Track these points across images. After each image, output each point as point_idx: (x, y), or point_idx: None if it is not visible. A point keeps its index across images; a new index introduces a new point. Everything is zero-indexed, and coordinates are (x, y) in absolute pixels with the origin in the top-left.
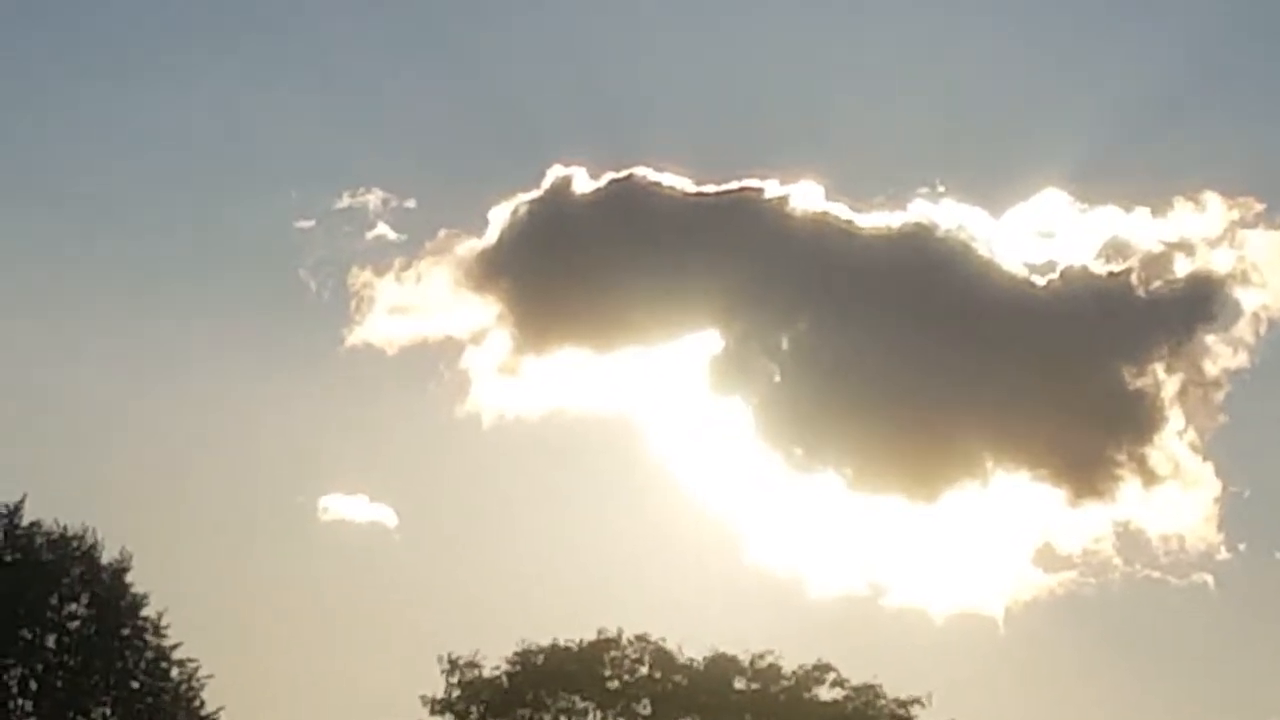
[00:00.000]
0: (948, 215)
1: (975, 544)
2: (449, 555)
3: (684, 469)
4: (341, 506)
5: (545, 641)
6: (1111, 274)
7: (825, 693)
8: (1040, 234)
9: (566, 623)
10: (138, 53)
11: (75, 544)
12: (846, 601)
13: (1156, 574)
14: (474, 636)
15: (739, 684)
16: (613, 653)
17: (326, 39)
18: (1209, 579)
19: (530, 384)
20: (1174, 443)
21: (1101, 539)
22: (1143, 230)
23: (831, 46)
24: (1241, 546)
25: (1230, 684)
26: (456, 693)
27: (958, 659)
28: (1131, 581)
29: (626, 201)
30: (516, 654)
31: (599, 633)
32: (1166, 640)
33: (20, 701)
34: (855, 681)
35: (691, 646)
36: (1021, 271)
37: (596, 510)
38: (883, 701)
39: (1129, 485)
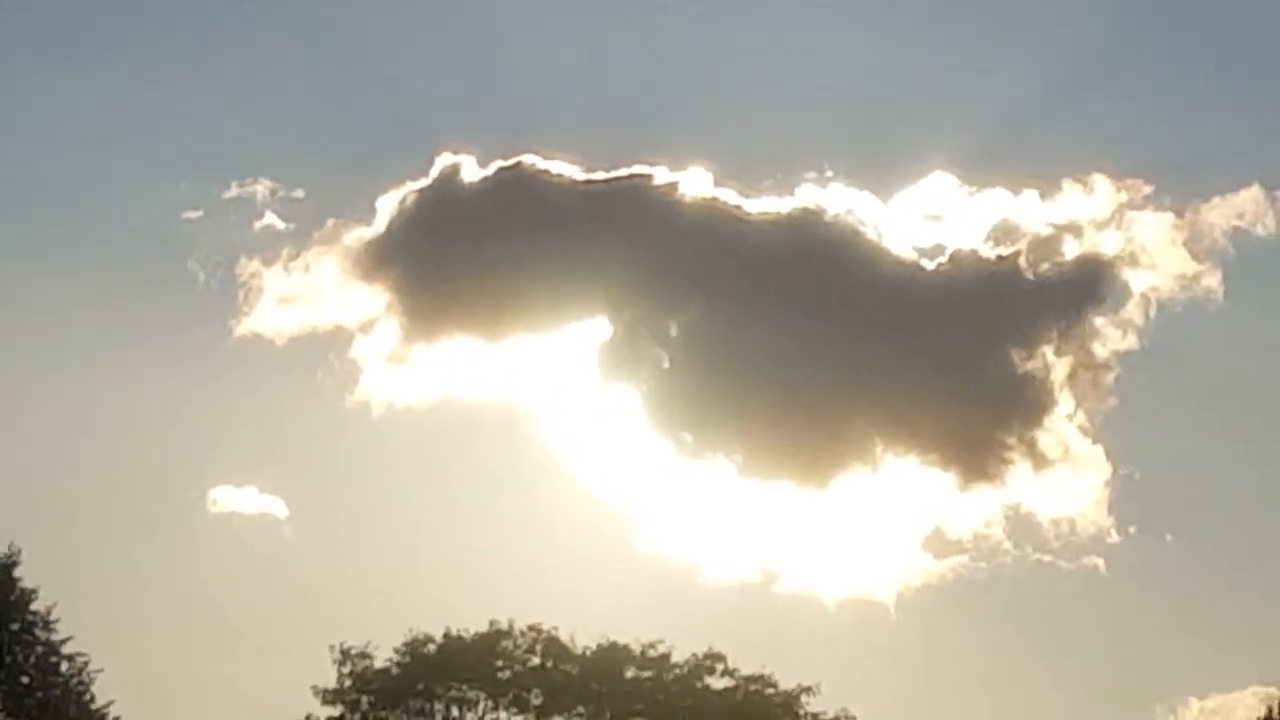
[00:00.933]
0: (836, 199)
1: (866, 529)
2: (340, 546)
3: (574, 457)
4: (231, 498)
5: (437, 631)
6: (1000, 257)
7: (716, 682)
8: (929, 217)
9: (458, 612)
10: (21, 40)
11: None
12: (738, 588)
13: (1047, 558)
14: (366, 627)
15: (630, 673)
16: (504, 643)
17: (214, 28)
18: (1100, 562)
19: (420, 373)
20: (1064, 426)
21: (992, 523)
22: (1031, 213)
23: (718, 32)
24: (1132, 529)
25: (1122, 667)
26: (348, 683)
27: (850, 645)
28: (1022, 565)
29: (515, 189)
30: (407, 644)
31: (491, 623)
32: (1058, 624)
33: None
34: (746, 670)
35: (583, 635)
36: (910, 255)
37: (487, 499)
38: (773, 690)
39: (1019, 469)
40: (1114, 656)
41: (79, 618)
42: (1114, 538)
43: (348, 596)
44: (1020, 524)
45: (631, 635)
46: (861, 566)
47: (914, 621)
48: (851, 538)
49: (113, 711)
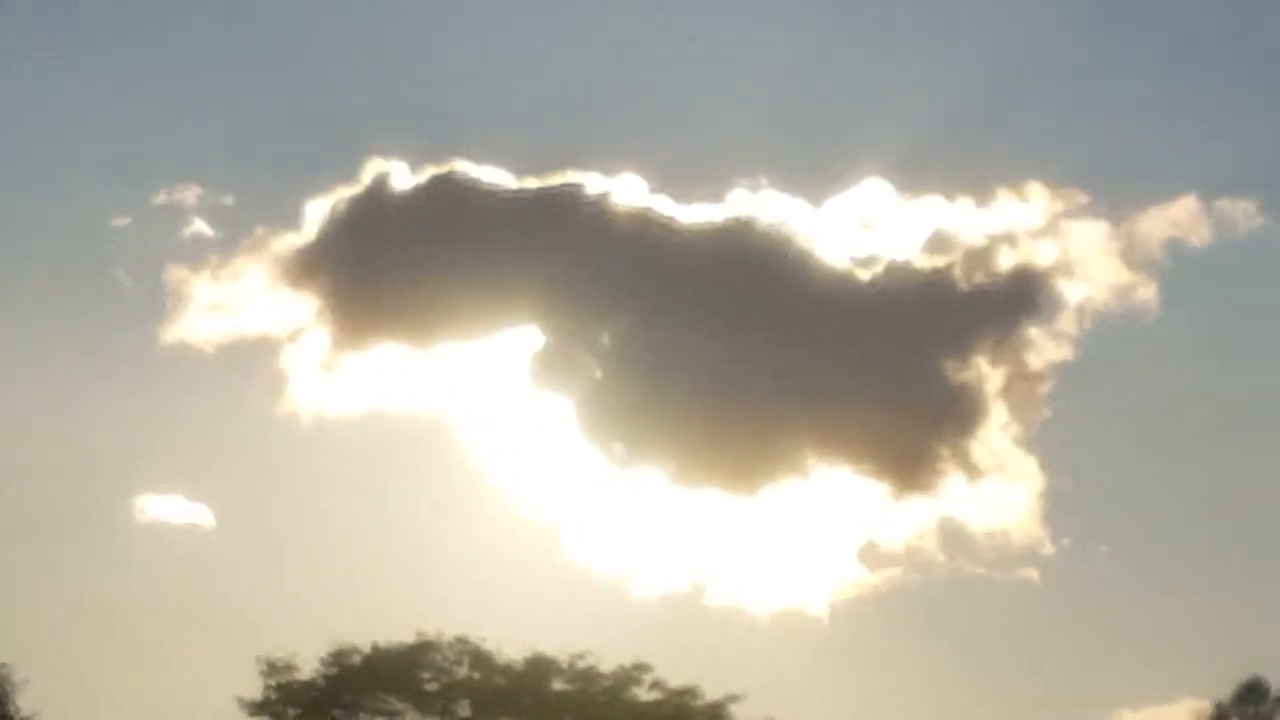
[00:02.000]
0: (769, 207)
1: (798, 540)
2: (267, 556)
3: (504, 467)
4: (158, 507)
5: (364, 642)
6: (934, 268)
7: (644, 693)
8: (863, 224)
9: (386, 623)
10: None
11: None
12: (669, 600)
13: (981, 569)
14: (292, 637)
15: (557, 685)
16: (431, 654)
17: (144, 33)
18: (1034, 574)
19: (349, 381)
20: (997, 436)
21: (925, 534)
22: (966, 221)
23: (651, 40)
24: (1066, 541)
25: (1055, 679)
26: (273, 694)
27: (782, 657)
28: (956, 577)
29: (446, 197)
30: (332, 655)
31: (417, 634)
32: (991, 636)
33: None
34: (675, 682)
35: (512, 647)
36: (844, 264)
37: (416, 509)
38: (700, 702)
39: (952, 480)
40: (1047, 669)
41: (6, 628)
42: (1048, 549)
43: (274, 607)
44: (954, 535)
45: (560, 647)
46: (794, 578)
47: (847, 633)
48: (784, 548)
49: None
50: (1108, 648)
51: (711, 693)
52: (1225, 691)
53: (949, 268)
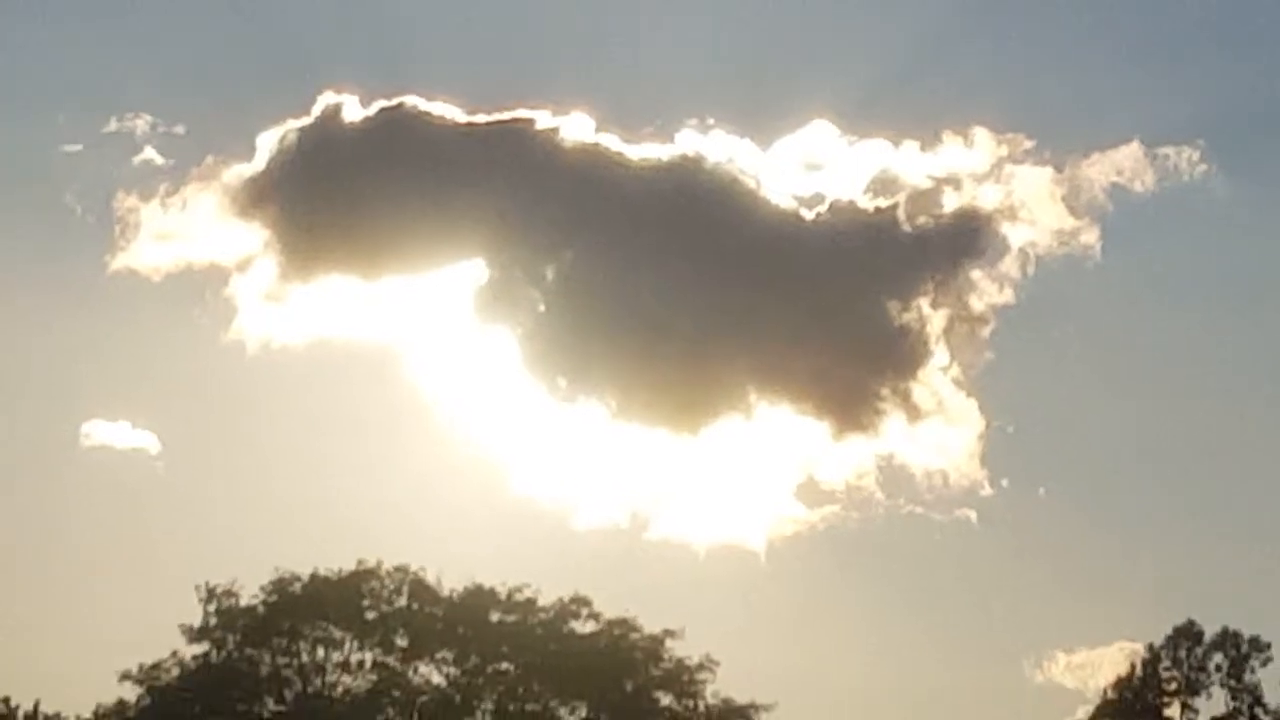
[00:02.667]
0: (717, 147)
1: (739, 477)
2: (212, 483)
3: (448, 399)
4: (104, 433)
5: (305, 571)
6: (878, 209)
7: (582, 626)
8: (809, 166)
9: (328, 552)
10: None
11: None
12: (610, 533)
13: (919, 509)
14: (235, 564)
15: (495, 616)
16: (371, 583)
17: None
18: (972, 515)
19: (296, 312)
20: (938, 378)
21: (864, 473)
22: (911, 164)
23: None
24: (1004, 482)
25: (991, 621)
26: (214, 621)
27: (720, 592)
28: (894, 516)
29: (397, 130)
30: (273, 583)
31: (358, 563)
32: (928, 576)
33: None
34: (612, 614)
35: (453, 577)
36: (790, 204)
37: (360, 440)
38: (637, 635)
39: (893, 420)
40: (983, 610)
41: None
42: (987, 491)
43: (217, 533)
44: (893, 475)
45: (501, 579)
46: (733, 514)
47: (784, 570)
48: (724, 485)
49: None
50: (1044, 589)
51: (650, 626)
52: (1159, 635)
53: (893, 209)
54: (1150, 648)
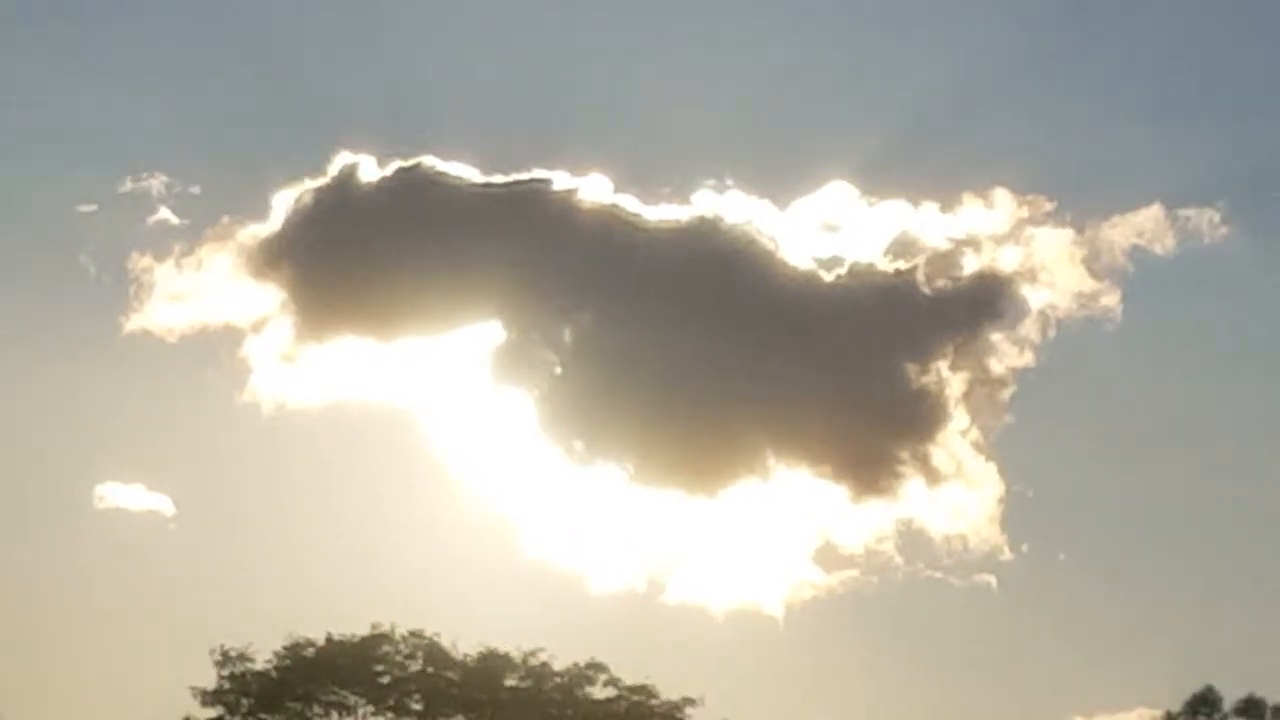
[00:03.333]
0: (735, 208)
1: (756, 540)
2: (226, 546)
3: (464, 461)
4: (118, 495)
5: (319, 635)
6: (898, 271)
7: (599, 692)
8: (827, 227)
9: (342, 616)
10: None
11: None
12: (626, 598)
13: (938, 574)
14: (248, 628)
15: (510, 681)
16: (385, 648)
17: (116, 21)
18: (992, 580)
19: (311, 373)
20: (957, 441)
21: (883, 537)
22: (931, 226)
23: (622, 39)
24: (1024, 547)
25: (1010, 686)
26: (227, 685)
27: (737, 657)
28: (913, 581)
29: (413, 190)
30: (286, 647)
31: (372, 626)
32: (948, 641)
33: None
34: (630, 680)
35: (468, 642)
36: (808, 265)
37: (375, 502)
38: (655, 701)
39: (912, 484)
40: (1003, 675)
41: None
42: (1006, 555)
43: (231, 596)
44: (912, 539)
45: (516, 643)
46: (751, 578)
47: (802, 634)
48: (741, 548)
49: None
50: (1064, 655)
51: (667, 690)
52: (1178, 701)
53: (912, 271)
54: (1169, 715)
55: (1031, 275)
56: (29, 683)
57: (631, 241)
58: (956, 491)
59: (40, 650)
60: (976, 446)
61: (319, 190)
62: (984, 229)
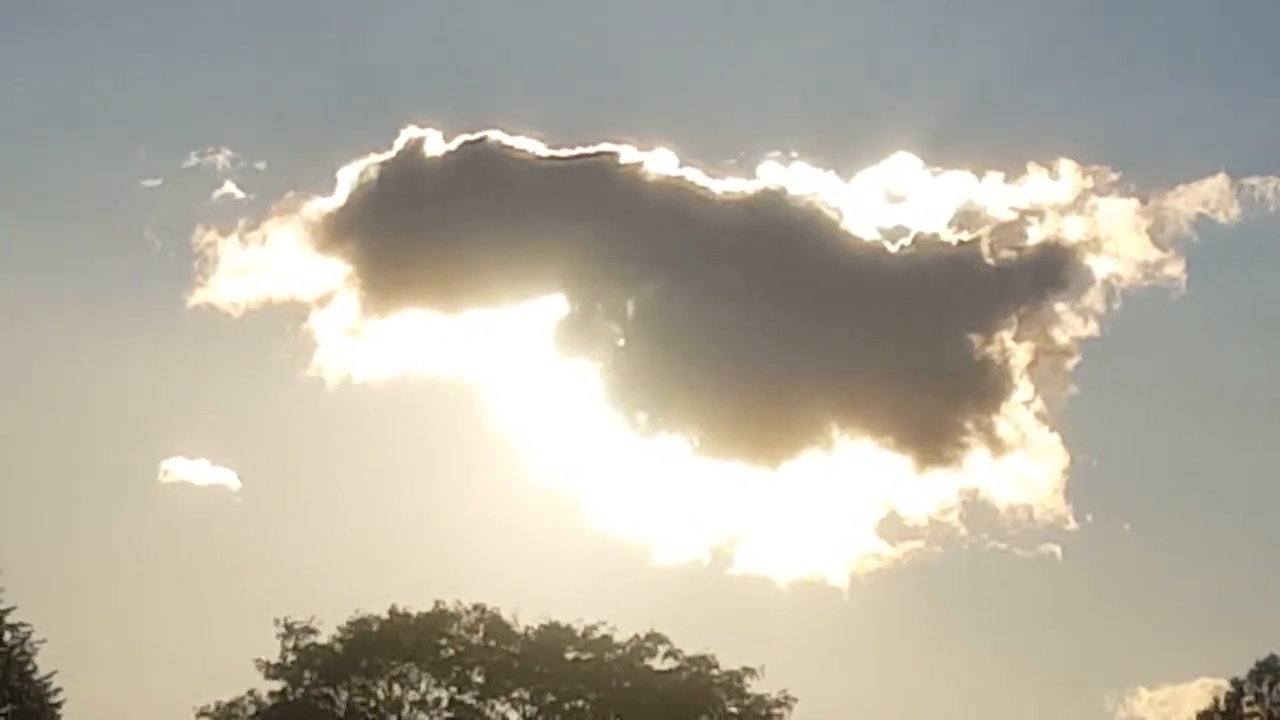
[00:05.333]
0: (799, 180)
1: (821, 512)
2: (291, 519)
3: (528, 434)
4: (183, 469)
5: (383, 609)
6: (962, 241)
7: (659, 663)
8: (891, 198)
9: (407, 587)
10: None
11: None
12: (691, 569)
13: (1003, 545)
14: (313, 601)
15: (571, 654)
16: (448, 622)
17: None
18: (1056, 550)
19: (376, 347)
20: (1022, 412)
21: (948, 509)
22: (995, 196)
23: (687, 13)
24: (1089, 517)
25: (1073, 656)
26: (291, 658)
27: (802, 628)
28: (978, 552)
29: (479, 164)
30: (351, 622)
31: (436, 604)
32: (1011, 611)
33: None
34: (691, 651)
35: (531, 615)
36: (872, 236)
37: (440, 475)
38: (715, 672)
39: (976, 454)
40: (1066, 645)
41: (27, 588)
42: (1071, 526)
43: (296, 570)
44: (977, 510)
45: (579, 615)
46: (815, 549)
47: (867, 606)
48: (806, 519)
49: (55, 682)
50: (1128, 625)
51: (730, 662)
52: (1243, 670)
53: (976, 242)
54: (1233, 682)
55: (1096, 245)
56: (96, 655)
57: (696, 214)
58: (1021, 462)
59: (107, 623)
60: (1041, 417)
61: (384, 164)
62: (1048, 199)
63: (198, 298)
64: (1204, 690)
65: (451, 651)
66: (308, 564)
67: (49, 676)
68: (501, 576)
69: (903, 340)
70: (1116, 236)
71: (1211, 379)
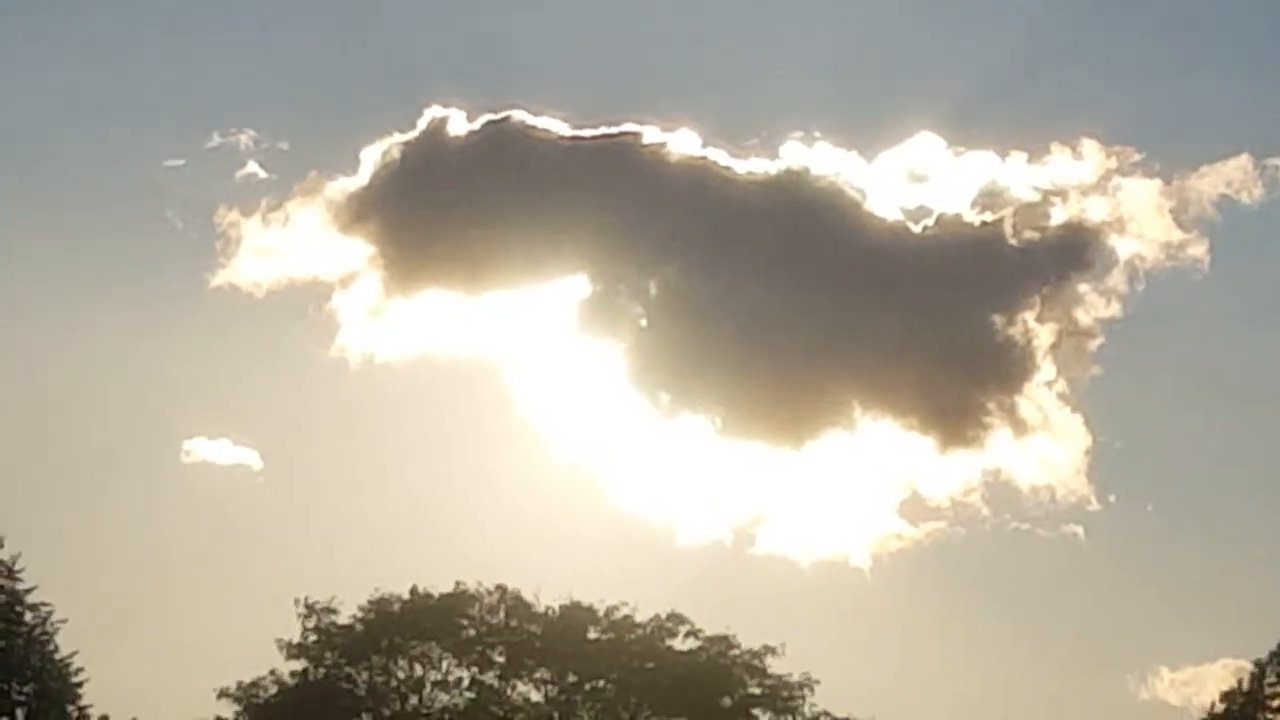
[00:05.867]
0: (822, 160)
1: (843, 492)
2: (313, 499)
3: (551, 414)
4: (205, 449)
5: (404, 589)
6: (985, 222)
7: (680, 643)
8: (914, 178)
9: (430, 567)
10: None
11: None
12: (713, 550)
13: (1026, 525)
14: (334, 580)
15: (592, 634)
16: (469, 602)
17: None
18: (1079, 530)
19: (398, 327)
20: (1044, 393)
21: (971, 489)
22: (1018, 176)
23: None
24: (1112, 498)
25: (1097, 636)
26: (312, 637)
27: (824, 609)
28: (1001, 532)
29: (502, 144)
30: (372, 601)
31: (457, 584)
32: (1035, 591)
33: None
34: (711, 631)
35: (552, 595)
36: (895, 216)
37: (463, 455)
38: (736, 651)
39: (999, 435)
40: (1088, 625)
41: (49, 568)
42: (1094, 506)
43: (317, 549)
44: (999, 490)
45: (601, 595)
46: (837, 530)
47: (889, 586)
48: (828, 500)
49: (76, 662)
50: (1151, 605)
51: (752, 642)
52: (1265, 651)
53: (999, 222)
54: (1257, 663)
55: (1119, 226)
56: (118, 634)
57: (719, 193)
58: (1043, 442)
59: (128, 602)
60: (1063, 397)
61: (407, 144)
62: (1071, 180)
63: (220, 278)
64: (1226, 671)
65: (473, 631)
66: (329, 544)
67: (70, 656)
68: (523, 557)
69: (925, 321)
70: (1140, 217)
71: (1235, 360)
